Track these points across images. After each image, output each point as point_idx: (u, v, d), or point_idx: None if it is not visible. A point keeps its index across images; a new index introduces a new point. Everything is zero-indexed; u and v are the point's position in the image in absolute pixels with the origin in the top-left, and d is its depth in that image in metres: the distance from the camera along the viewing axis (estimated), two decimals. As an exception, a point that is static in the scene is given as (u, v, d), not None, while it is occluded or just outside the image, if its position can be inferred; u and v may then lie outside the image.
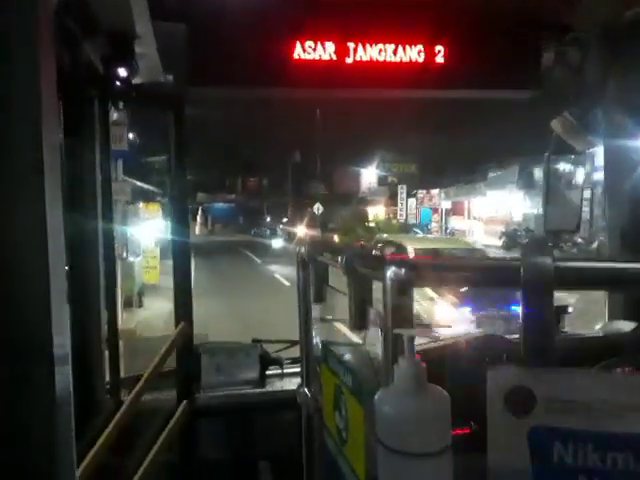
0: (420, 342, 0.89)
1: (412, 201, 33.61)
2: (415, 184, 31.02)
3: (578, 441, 0.73)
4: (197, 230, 44.85)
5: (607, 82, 2.17)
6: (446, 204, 30.51)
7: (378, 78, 2.13)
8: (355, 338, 1.13)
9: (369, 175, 33.80)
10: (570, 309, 2.01)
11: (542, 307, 0.71)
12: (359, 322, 0.96)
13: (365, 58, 2.11)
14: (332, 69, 2.08)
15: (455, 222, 29.52)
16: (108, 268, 2.05)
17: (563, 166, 2.42)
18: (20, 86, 0.89)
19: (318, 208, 30.91)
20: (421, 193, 32.06)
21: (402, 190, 30.97)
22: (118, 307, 2.14)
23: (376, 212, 35.32)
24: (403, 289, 0.76)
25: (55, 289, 1.07)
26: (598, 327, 2.12)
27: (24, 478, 1.15)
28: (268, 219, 47.43)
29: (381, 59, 2.10)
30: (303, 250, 1.28)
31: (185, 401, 1.97)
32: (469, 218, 27.98)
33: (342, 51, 2.07)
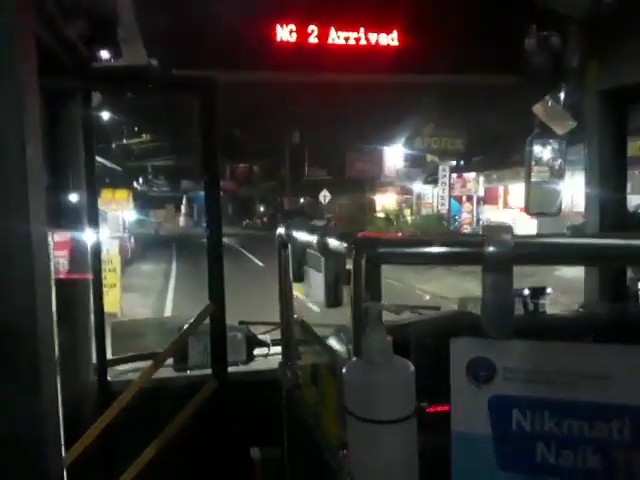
0: (388, 319, 0.91)
1: (428, 188, 27.10)
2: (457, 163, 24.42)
3: (535, 409, 0.76)
4: (181, 222, 40.66)
5: (588, 66, 2.19)
6: (480, 191, 25.00)
7: (361, 62, 2.14)
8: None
9: (394, 155, 26.73)
10: (548, 290, 2.05)
11: (502, 281, 0.73)
12: (333, 299, 0.99)
13: (351, 41, 2.12)
14: (317, 52, 2.09)
15: (490, 213, 23.69)
16: (93, 250, 2.07)
17: (545, 150, 2.44)
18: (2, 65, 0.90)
19: (325, 196, 26.84)
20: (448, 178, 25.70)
21: (444, 171, 23.16)
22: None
23: (387, 201, 30.02)
24: (369, 265, 0.79)
25: (39, 271, 1.10)
26: (575, 308, 2.17)
27: (12, 452, 1.18)
28: (261, 209, 43.14)
29: (363, 43, 2.11)
30: (281, 231, 1.30)
31: (214, 379, 2.01)
32: (505, 207, 23.05)
33: (325, 34, 2.08)
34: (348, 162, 27.98)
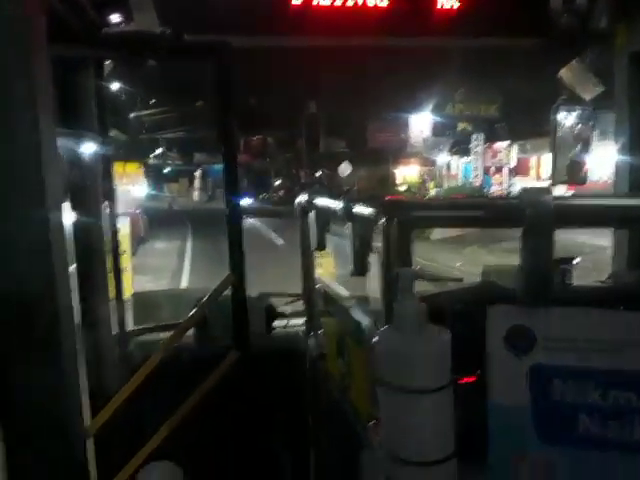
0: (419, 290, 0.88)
1: (453, 159, 24.96)
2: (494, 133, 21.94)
3: (579, 378, 0.73)
4: (196, 196, 39.55)
5: (616, 28, 2.10)
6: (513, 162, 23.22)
7: (383, 24, 2.06)
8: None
9: (421, 124, 24.09)
10: (576, 260, 2.00)
11: (542, 246, 0.69)
12: (360, 267, 0.95)
13: (370, 4, 2.04)
14: (334, 14, 2.01)
15: (521, 184, 20.93)
16: (112, 224, 2.06)
17: (571, 117, 2.37)
18: (11, 33, 0.86)
19: (344, 169, 24.91)
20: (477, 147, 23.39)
21: (478, 140, 21.39)
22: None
23: (409, 173, 28.06)
24: (402, 230, 0.75)
25: (56, 245, 1.08)
26: (605, 278, 2.11)
27: (36, 421, 1.18)
28: (277, 182, 39.11)
29: (384, 4, 2.03)
30: (303, 198, 1.26)
31: (235, 350, 2.01)
32: (537, 179, 21.18)
33: None
34: (370, 132, 25.29)
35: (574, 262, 2.08)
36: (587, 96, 2.27)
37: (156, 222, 18.79)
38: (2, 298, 1.03)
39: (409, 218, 0.75)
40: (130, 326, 2.28)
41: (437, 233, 15.40)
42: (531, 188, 0.70)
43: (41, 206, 0.99)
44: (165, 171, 38.38)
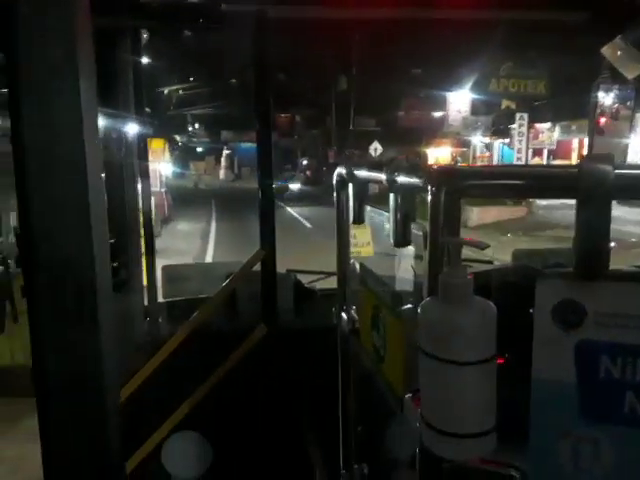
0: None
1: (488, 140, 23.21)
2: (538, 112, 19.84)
3: (627, 356, 0.71)
4: (222, 174, 39.03)
5: None
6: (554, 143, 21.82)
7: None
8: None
9: (460, 101, 22.28)
10: (612, 244, 1.95)
11: (598, 216, 0.67)
12: (402, 238, 0.94)
13: None
14: None
15: None
16: (144, 194, 2.08)
17: (612, 97, 2.30)
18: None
19: (375, 149, 23.69)
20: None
21: (522, 119, 19.61)
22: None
23: (441, 155, 26.36)
24: (450, 198, 0.73)
25: (95, 213, 1.09)
26: None
27: (73, 388, 1.20)
28: (304, 162, 38.78)
29: None
30: (342, 169, 1.25)
31: (263, 325, 2.03)
32: None
33: None
34: (404, 110, 24.28)
35: (611, 245, 2.03)
36: (630, 75, 2.20)
37: (181, 201, 18.22)
38: (43, 268, 1.05)
39: (458, 186, 0.74)
40: (160, 298, 2.32)
41: (474, 219, 14.81)
42: (593, 155, 0.67)
43: (82, 177, 1.00)
44: (192, 148, 37.42)
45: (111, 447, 1.39)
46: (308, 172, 34.67)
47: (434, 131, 24.92)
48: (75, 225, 1.04)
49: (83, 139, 0.99)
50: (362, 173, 1.15)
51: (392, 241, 0.96)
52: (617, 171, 0.67)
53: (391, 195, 0.95)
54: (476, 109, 22.32)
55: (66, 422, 1.31)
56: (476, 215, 14.98)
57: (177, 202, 17.51)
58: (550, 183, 0.72)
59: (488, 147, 24.37)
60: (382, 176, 0.97)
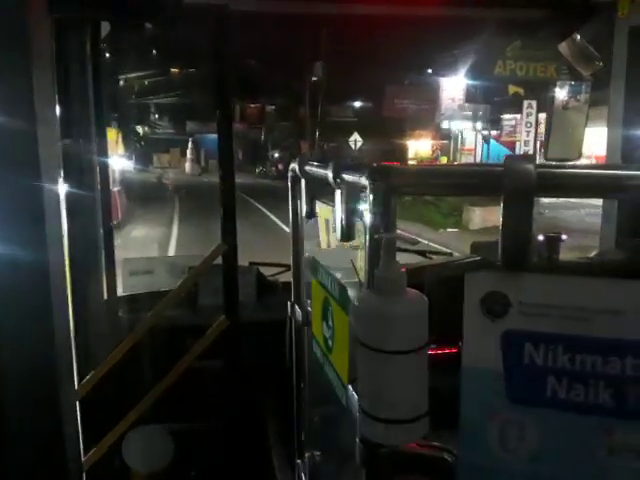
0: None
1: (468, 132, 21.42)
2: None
3: (549, 343, 0.77)
4: (187, 168, 36.41)
5: (619, 1, 2.10)
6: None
7: None
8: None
9: (453, 89, 20.04)
10: (563, 237, 2.04)
11: (522, 213, 0.72)
12: (347, 233, 0.99)
13: None
14: None
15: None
16: (103, 185, 2.08)
17: (568, 92, 2.37)
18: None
19: (355, 141, 22.03)
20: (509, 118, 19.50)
21: (531, 108, 17.54)
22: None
23: (422, 147, 25.19)
24: (386, 195, 0.78)
25: (50, 209, 1.10)
26: (592, 254, 2.15)
27: (28, 383, 1.22)
28: (276, 155, 36.69)
29: None
30: (294, 165, 1.29)
31: (225, 318, 2.05)
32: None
33: None
34: (387, 98, 20.10)
35: (562, 238, 2.11)
36: (585, 72, 2.28)
37: (140, 200, 15.95)
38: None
39: (394, 185, 0.78)
40: (120, 292, 2.32)
41: (477, 222, 13.91)
42: (515, 155, 0.73)
43: (36, 175, 1.02)
44: (155, 140, 35.14)
45: (68, 442, 1.41)
46: (280, 165, 33.07)
47: (421, 121, 22.63)
48: (30, 222, 1.06)
49: (37, 134, 1.00)
50: (312, 169, 1.19)
51: (337, 236, 1.00)
52: (539, 170, 0.72)
53: (336, 191, 0.99)
54: (473, 97, 20.29)
55: (21, 417, 1.32)
56: (479, 216, 13.99)
57: (136, 201, 15.28)
58: (478, 181, 0.77)
59: (485, 139, 21.92)
60: (328, 173, 1.01)
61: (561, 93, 2.35)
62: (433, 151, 25.13)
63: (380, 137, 23.36)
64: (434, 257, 2.68)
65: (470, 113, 20.66)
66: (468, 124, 21.14)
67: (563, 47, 2.33)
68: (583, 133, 2.31)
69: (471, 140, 22.98)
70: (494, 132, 21.15)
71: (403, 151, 24.90)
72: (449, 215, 15.71)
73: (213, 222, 2.16)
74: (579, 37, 2.30)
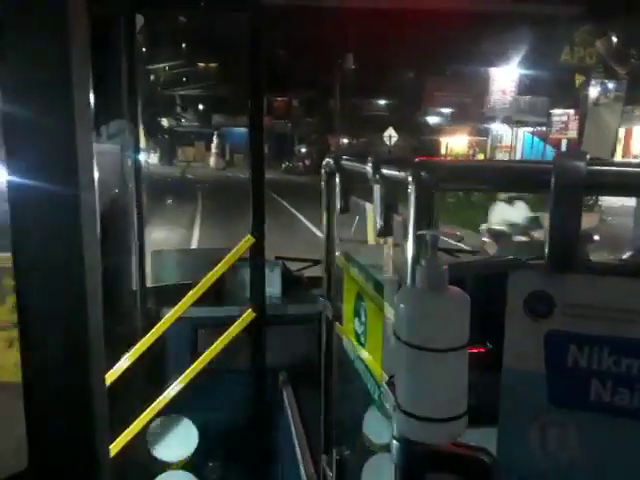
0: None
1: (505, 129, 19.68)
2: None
3: (594, 345, 0.76)
4: (212, 162, 35.46)
5: None
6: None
7: None
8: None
9: (505, 79, 17.74)
10: (595, 237, 2.01)
11: (570, 211, 0.71)
12: (384, 229, 0.98)
13: None
14: None
15: None
16: (136, 183, 2.11)
17: (600, 90, 2.33)
18: None
19: (390, 136, 20.30)
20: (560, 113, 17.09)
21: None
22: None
23: (458, 144, 23.53)
24: (429, 190, 0.77)
25: (85, 201, 1.12)
26: (625, 256, 2.12)
27: (58, 372, 1.24)
28: (302, 150, 35.97)
29: None
30: (329, 159, 1.28)
31: (251, 311, 2.06)
32: (625, 155, 17.27)
33: None
34: (428, 91, 20.11)
35: (594, 238, 2.08)
36: (622, 70, 2.24)
37: (161, 196, 14.67)
38: (32, 251, 1.08)
39: (437, 180, 0.78)
40: (149, 283, 2.35)
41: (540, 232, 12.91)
42: (565, 152, 0.71)
43: (73, 169, 1.03)
44: (180, 133, 35.19)
45: (96, 430, 1.43)
46: (307, 161, 32.22)
47: (466, 115, 20.99)
48: (65, 215, 1.07)
49: (75, 125, 1.02)
50: (348, 164, 1.18)
51: (375, 232, 1.00)
52: (589, 168, 0.71)
53: (375, 186, 0.98)
54: (526, 90, 18.19)
55: (51, 406, 1.34)
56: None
57: (156, 197, 13.57)
58: (525, 178, 0.76)
59: (542, 136, 19.28)
60: (367, 167, 1.01)
61: (594, 91, 2.31)
62: (469, 147, 23.61)
63: (412, 133, 21.84)
64: (460, 256, 2.66)
65: (523, 106, 18.72)
66: (523, 118, 18.91)
67: (599, 45, 2.29)
68: (616, 131, 2.27)
69: (507, 137, 21.36)
70: (539, 129, 19.24)
71: (437, 148, 23.28)
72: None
73: (237, 225, 2.15)
74: (615, 35, 2.26)
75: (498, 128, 20.94)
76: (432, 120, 21.94)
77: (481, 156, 21.97)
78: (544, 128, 18.59)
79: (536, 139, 19.19)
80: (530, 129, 19.18)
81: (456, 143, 23.72)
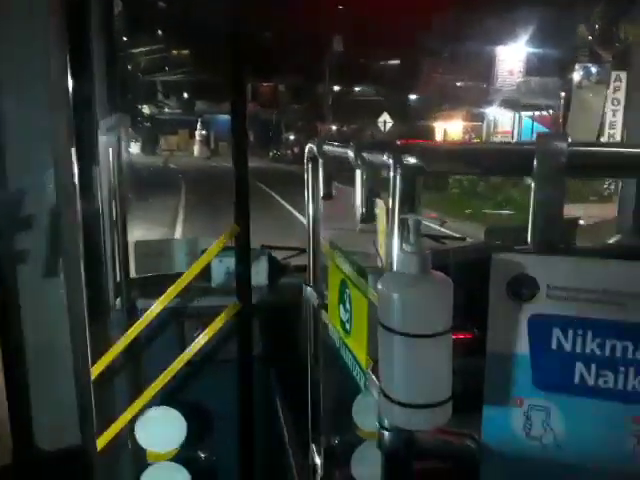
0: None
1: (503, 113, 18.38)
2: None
3: (578, 328, 0.76)
4: (196, 151, 34.31)
5: None
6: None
7: None
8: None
9: (513, 59, 15.94)
10: (581, 222, 2.02)
11: (552, 194, 0.71)
12: (367, 214, 0.97)
13: None
14: None
15: None
16: (118, 171, 2.07)
17: (586, 74, 2.34)
18: None
19: (385, 122, 19.58)
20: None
21: (619, 81, 10.29)
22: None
23: (452, 129, 22.40)
24: (410, 174, 0.76)
25: (66, 194, 1.10)
26: (610, 241, 2.13)
27: (44, 364, 1.22)
28: (291, 137, 34.19)
29: None
30: (313, 144, 1.27)
31: (237, 301, 2.05)
32: None
33: None
34: (425, 73, 18.84)
35: (580, 223, 2.09)
36: (606, 55, 2.25)
37: (142, 189, 12.20)
38: (16, 235, 1.06)
39: (418, 164, 0.77)
40: (132, 274, 2.33)
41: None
42: (546, 133, 0.71)
43: (49, 153, 1.01)
44: (162, 121, 33.78)
45: (82, 423, 1.42)
46: (296, 149, 30.77)
47: (467, 99, 19.33)
48: (46, 212, 1.05)
49: (50, 112, 0.99)
50: (331, 149, 1.17)
51: (357, 217, 0.99)
52: (571, 148, 0.70)
53: (357, 172, 0.97)
54: (535, 70, 16.45)
55: (36, 400, 1.34)
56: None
57: (137, 191, 11.35)
58: (507, 160, 0.75)
59: (490, 124, 18.26)
60: (349, 152, 1.00)
61: (577, 75, 2.32)
62: (465, 133, 22.46)
63: (405, 119, 20.76)
64: (447, 242, 2.66)
65: (534, 87, 16.72)
66: (533, 101, 16.75)
67: (584, 30, 2.30)
68: (599, 114, 2.28)
69: (504, 121, 20.07)
70: (542, 113, 17.49)
71: (430, 133, 22.01)
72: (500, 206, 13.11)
73: (226, 221, 2.11)
74: (599, 19, 2.27)
75: (496, 112, 19.74)
76: (427, 105, 20.78)
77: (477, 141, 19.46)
78: (550, 112, 17.10)
79: (535, 124, 17.71)
80: (530, 113, 17.73)
81: (450, 128, 22.60)
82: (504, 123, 20.13)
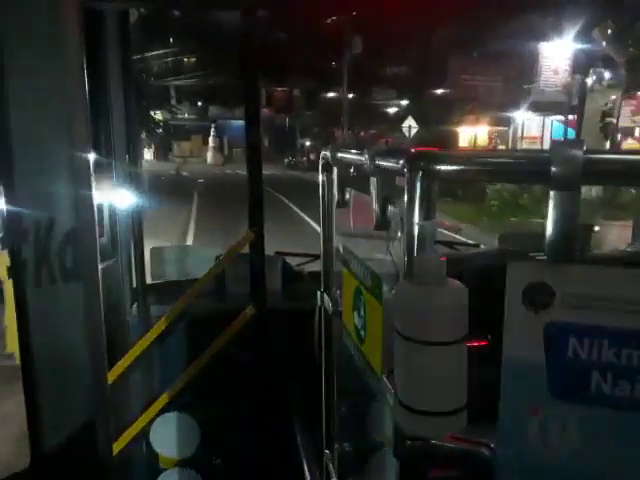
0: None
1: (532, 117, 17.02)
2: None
3: (594, 336, 0.75)
4: (209, 158, 34.42)
5: None
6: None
7: None
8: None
9: (558, 56, 14.00)
10: (596, 228, 2.01)
11: (568, 202, 0.71)
12: (382, 221, 0.98)
13: None
14: None
15: None
16: (134, 174, 2.10)
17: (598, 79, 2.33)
18: None
19: (410, 127, 18.29)
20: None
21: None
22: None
23: (478, 134, 20.93)
24: (425, 181, 0.77)
25: (83, 200, 1.12)
26: (625, 247, 2.11)
27: (61, 370, 1.24)
28: (307, 143, 33.92)
29: None
30: (327, 152, 1.28)
31: (252, 307, 2.06)
32: None
33: None
34: (451, 73, 17.08)
35: (595, 229, 2.08)
36: (618, 58, 2.23)
37: (150, 199, 9.25)
38: (33, 240, 1.08)
39: (433, 170, 0.77)
40: (148, 280, 2.36)
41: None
42: (562, 140, 0.71)
43: (67, 158, 1.03)
44: (175, 127, 32.82)
45: (99, 428, 1.44)
46: (312, 155, 30.36)
47: (520, 100, 17.14)
48: (63, 218, 1.07)
49: (71, 123, 1.01)
50: (345, 156, 1.18)
51: (373, 223, 1.00)
52: (586, 156, 0.70)
53: (372, 179, 0.98)
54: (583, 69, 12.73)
55: (53, 404, 1.36)
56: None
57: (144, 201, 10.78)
58: (522, 168, 0.75)
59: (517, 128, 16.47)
60: (363, 159, 1.00)
61: (589, 79, 2.31)
62: (490, 139, 21.15)
63: (429, 124, 19.53)
64: (460, 249, 2.66)
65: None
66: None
67: (597, 33, 2.30)
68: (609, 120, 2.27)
69: (530, 126, 18.60)
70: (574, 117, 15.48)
71: (455, 139, 20.87)
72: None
73: (240, 236, 2.10)
74: (612, 23, 2.27)
75: (524, 116, 18.09)
76: (452, 108, 19.10)
77: (502, 147, 19.84)
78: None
79: (566, 129, 15.81)
80: (561, 117, 15.87)
81: (476, 134, 21.19)
82: (531, 128, 18.87)
